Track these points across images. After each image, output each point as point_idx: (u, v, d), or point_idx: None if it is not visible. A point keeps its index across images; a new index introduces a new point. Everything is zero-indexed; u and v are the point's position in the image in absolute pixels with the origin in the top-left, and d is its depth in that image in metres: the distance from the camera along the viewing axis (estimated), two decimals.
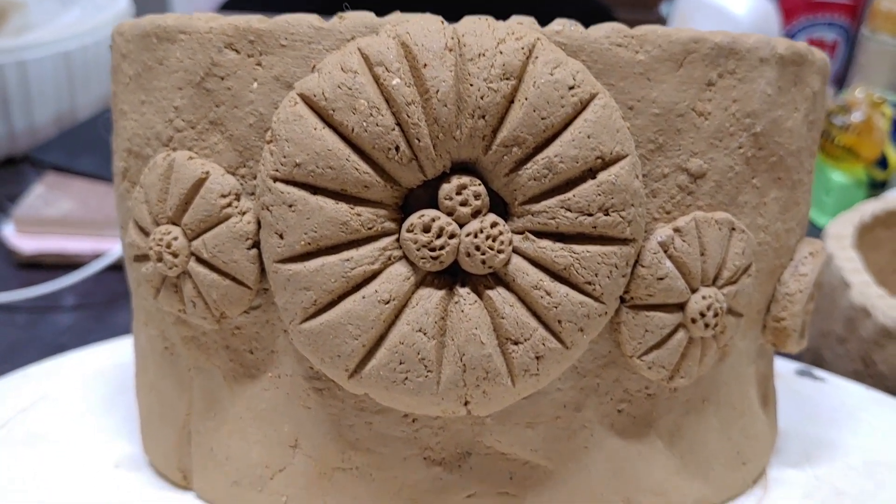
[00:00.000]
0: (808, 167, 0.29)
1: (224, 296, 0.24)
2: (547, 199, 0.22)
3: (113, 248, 0.56)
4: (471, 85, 0.21)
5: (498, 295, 0.23)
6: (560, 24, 0.23)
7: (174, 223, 0.24)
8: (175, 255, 0.24)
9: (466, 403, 0.23)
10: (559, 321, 0.23)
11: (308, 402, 0.25)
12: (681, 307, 0.25)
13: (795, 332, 0.30)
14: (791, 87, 0.27)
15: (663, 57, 0.24)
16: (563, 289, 0.22)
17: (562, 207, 0.22)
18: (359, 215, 0.22)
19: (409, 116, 0.21)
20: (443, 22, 0.22)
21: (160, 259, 0.24)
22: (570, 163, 0.22)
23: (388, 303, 0.22)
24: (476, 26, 0.22)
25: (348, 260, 0.22)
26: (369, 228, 0.22)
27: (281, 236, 0.22)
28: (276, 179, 0.22)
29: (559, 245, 0.22)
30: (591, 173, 0.22)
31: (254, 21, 0.24)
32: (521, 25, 0.23)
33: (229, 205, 0.24)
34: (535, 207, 0.22)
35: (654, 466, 0.27)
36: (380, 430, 0.25)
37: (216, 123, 0.24)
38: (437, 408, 0.23)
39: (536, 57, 0.22)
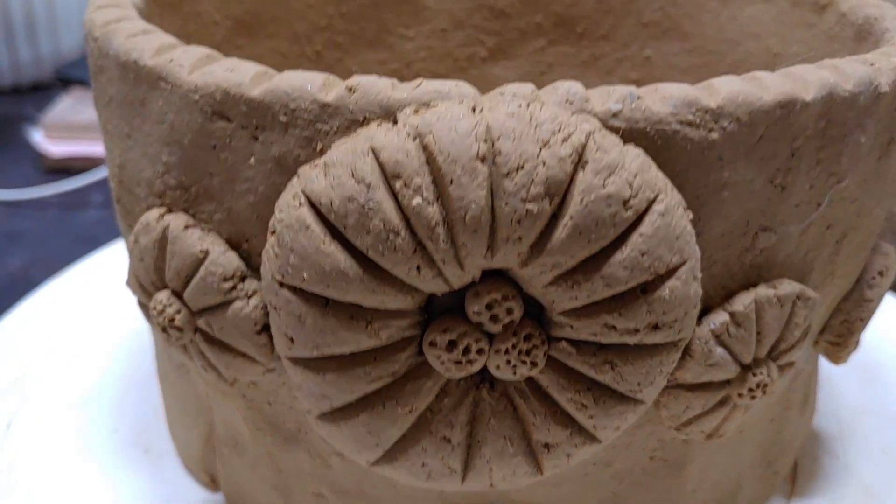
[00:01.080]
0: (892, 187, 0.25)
1: (235, 368, 0.23)
2: (589, 317, 0.19)
3: None
4: (506, 204, 0.18)
5: (531, 403, 0.21)
6: (619, 101, 0.19)
7: (175, 293, 0.22)
8: (180, 330, 0.22)
9: (491, 486, 0.22)
10: (595, 426, 0.21)
11: (330, 461, 0.24)
12: (728, 382, 0.23)
13: (848, 352, 0.28)
14: (893, 121, 0.22)
15: (742, 133, 0.19)
16: (604, 399, 0.21)
17: (606, 326, 0.20)
18: (377, 332, 0.20)
19: (432, 241, 0.18)
20: (474, 109, 0.18)
21: (164, 330, 0.22)
22: (618, 285, 0.19)
23: (410, 412, 0.21)
24: (515, 124, 0.18)
25: (367, 373, 0.20)
26: (388, 338, 0.20)
27: (291, 340, 0.20)
28: (282, 285, 0.20)
29: (600, 358, 0.20)
30: (642, 289, 0.19)
31: (246, 85, 0.19)
32: (570, 112, 0.18)
33: (233, 288, 0.21)
34: (576, 323, 0.20)
35: (683, 500, 0.26)
36: (405, 493, 0.24)
37: (211, 193, 0.21)
38: (460, 490, 0.22)
39: (586, 162, 0.18)
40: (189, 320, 0.22)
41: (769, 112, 0.19)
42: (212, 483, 0.29)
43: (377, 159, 0.18)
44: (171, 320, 0.22)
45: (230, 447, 0.27)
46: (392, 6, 0.37)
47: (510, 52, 0.39)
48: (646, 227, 0.19)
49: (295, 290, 0.20)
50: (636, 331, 0.20)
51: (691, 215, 0.20)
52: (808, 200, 0.21)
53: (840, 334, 0.27)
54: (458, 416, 0.21)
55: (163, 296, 0.22)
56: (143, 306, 0.24)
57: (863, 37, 0.28)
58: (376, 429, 0.21)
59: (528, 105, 0.18)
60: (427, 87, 0.19)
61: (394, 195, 0.18)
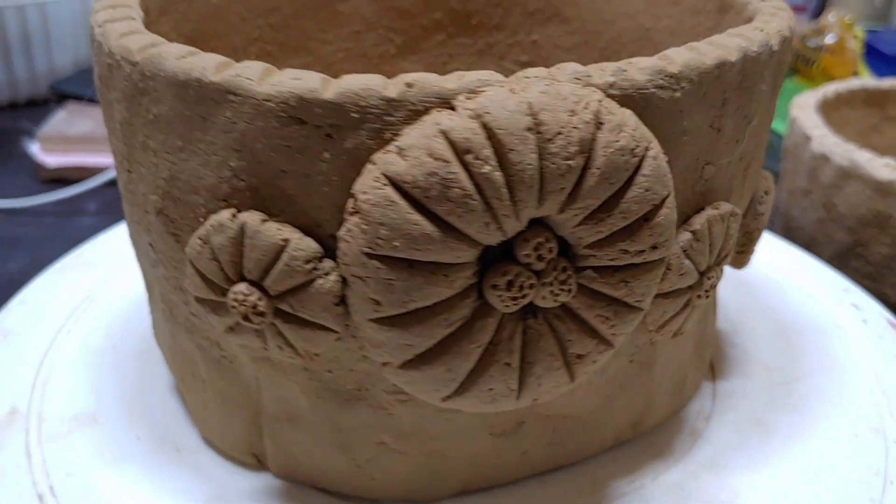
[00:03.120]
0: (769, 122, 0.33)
1: (311, 341, 0.26)
2: (609, 245, 0.25)
3: None
4: (552, 164, 0.23)
5: (567, 324, 0.26)
6: (613, 75, 0.24)
7: (253, 282, 0.25)
8: (262, 315, 0.25)
9: (535, 400, 0.28)
10: (614, 334, 0.27)
11: (392, 410, 0.28)
12: (691, 287, 0.29)
13: (748, 258, 0.35)
14: (777, 72, 0.30)
15: (693, 90, 0.26)
16: (620, 311, 0.26)
17: (621, 251, 0.25)
18: (453, 282, 0.24)
19: (499, 199, 0.23)
20: (513, 90, 0.23)
21: (246, 318, 0.25)
22: (631, 217, 0.25)
23: (479, 346, 0.25)
24: (548, 100, 0.23)
25: (445, 320, 0.25)
26: (459, 287, 0.25)
27: (378, 303, 0.24)
28: (371, 256, 0.24)
29: (617, 278, 0.26)
30: (645, 218, 0.25)
31: (318, 88, 0.23)
32: (583, 85, 0.24)
33: (314, 269, 0.25)
34: (598, 252, 0.25)
35: (652, 394, 0.33)
36: (457, 422, 0.29)
37: (283, 189, 0.24)
38: (512, 408, 0.27)
39: (602, 123, 0.24)
40: (270, 305, 0.25)
41: (710, 72, 0.26)
42: (258, 463, 0.31)
43: (448, 139, 0.23)
44: (254, 307, 0.25)
45: (283, 421, 0.30)
46: (311, 14, 0.41)
47: (416, 48, 0.44)
48: (646, 169, 0.25)
49: (383, 258, 0.24)
50: (642, 252, 0.26)
51: (667, 158, 0.26)
52: (734, 139, 0.28)
53: (744, 244, 0.34)
54: (514, 343, 0.26)
55: (241, 287, 0.25)
56: (209, 302, 0.27)
57: (725, 9, 0.35)
58: (454, 366, 0.25)
59: (552, 84, 0.23)
60: (468, 77, 0.23)
61: (465, 167, 0.23)
